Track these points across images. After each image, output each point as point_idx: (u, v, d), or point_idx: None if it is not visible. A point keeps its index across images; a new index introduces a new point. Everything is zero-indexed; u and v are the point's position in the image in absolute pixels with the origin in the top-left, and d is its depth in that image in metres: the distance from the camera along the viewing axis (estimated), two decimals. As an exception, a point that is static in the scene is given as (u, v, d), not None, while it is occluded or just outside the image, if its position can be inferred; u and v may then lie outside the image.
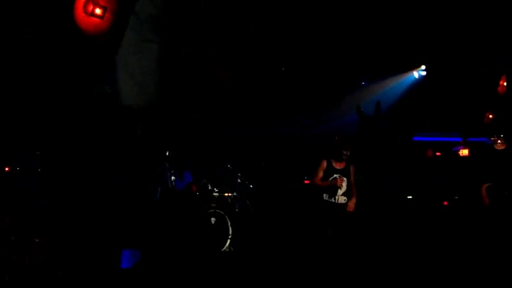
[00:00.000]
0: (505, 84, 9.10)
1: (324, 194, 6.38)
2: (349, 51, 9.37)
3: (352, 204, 6.39)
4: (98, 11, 5.93)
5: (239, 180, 8.20)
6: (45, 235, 5.72)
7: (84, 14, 5.81)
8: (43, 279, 5.41)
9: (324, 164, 6.46)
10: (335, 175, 6.39)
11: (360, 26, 8.72)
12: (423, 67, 9.96)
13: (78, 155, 6.80)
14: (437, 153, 10.36)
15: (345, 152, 6.42)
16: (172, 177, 7.15)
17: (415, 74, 10.06)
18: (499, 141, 9.30)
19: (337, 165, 6.47)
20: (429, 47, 9.25)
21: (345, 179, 6.39)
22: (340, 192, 6.38)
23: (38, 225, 5.76)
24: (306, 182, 8.76)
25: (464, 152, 10.27)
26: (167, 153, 7.21)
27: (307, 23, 8.63)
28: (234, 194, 8.00)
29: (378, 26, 8.74)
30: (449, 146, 10.45)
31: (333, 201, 6.37)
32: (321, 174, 6.44)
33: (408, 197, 9.18)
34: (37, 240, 5.58)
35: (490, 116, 9.87)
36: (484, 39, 8.78)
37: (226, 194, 7.91)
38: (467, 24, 8.53)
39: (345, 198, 6.40)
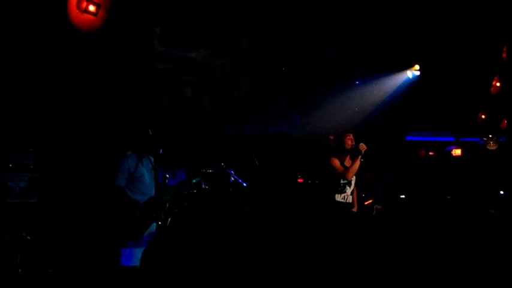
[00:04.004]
0: (497, 84, 9.17)
1: (336, 195, 5.99)
2: (343, 50, 9.39)
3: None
4: (91, 7, 5.90)
5: (232, 179, 8.16)
6: (37, 233, 5.69)
7: (77, 11, 5.78)
8: (35, 277, 5.38)
9: (337, 161, 6.03)
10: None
11: (355, 25, 8.74)
12: (417, 67, 9.98)
13: (77, 152, 6.76)
14: (430, 153, 10.40)
15: (349, 144, 6.02)
16: (166, 175, 7.10)
17: (409, 74, 10.08)
18: (491, 141, 9.37)
19: (346, 163, 6.08)
20: (423, 46, 9.29)
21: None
22: (349, 191, 6.04)
23: (30, 222, 5.72)
24: (299, 180, 8.73)
25: (457, 151, 10.32)
26: (160, 151, 7.15)
27: (301, 21, 8.64)
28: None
29: (373, 25, 8.76)
30: (442, 146, 10.49)
31: (344, 201, 6.01)
32: (340, 166, 6.00)
33: (401, 196, 9.20)
34: (29, 238, 5.55)
35: (483, 116, 9.93)
36: (477, 39, 8.83)
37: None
38: (461, 24, 8.58)
39: (351, 196, 6.07)
